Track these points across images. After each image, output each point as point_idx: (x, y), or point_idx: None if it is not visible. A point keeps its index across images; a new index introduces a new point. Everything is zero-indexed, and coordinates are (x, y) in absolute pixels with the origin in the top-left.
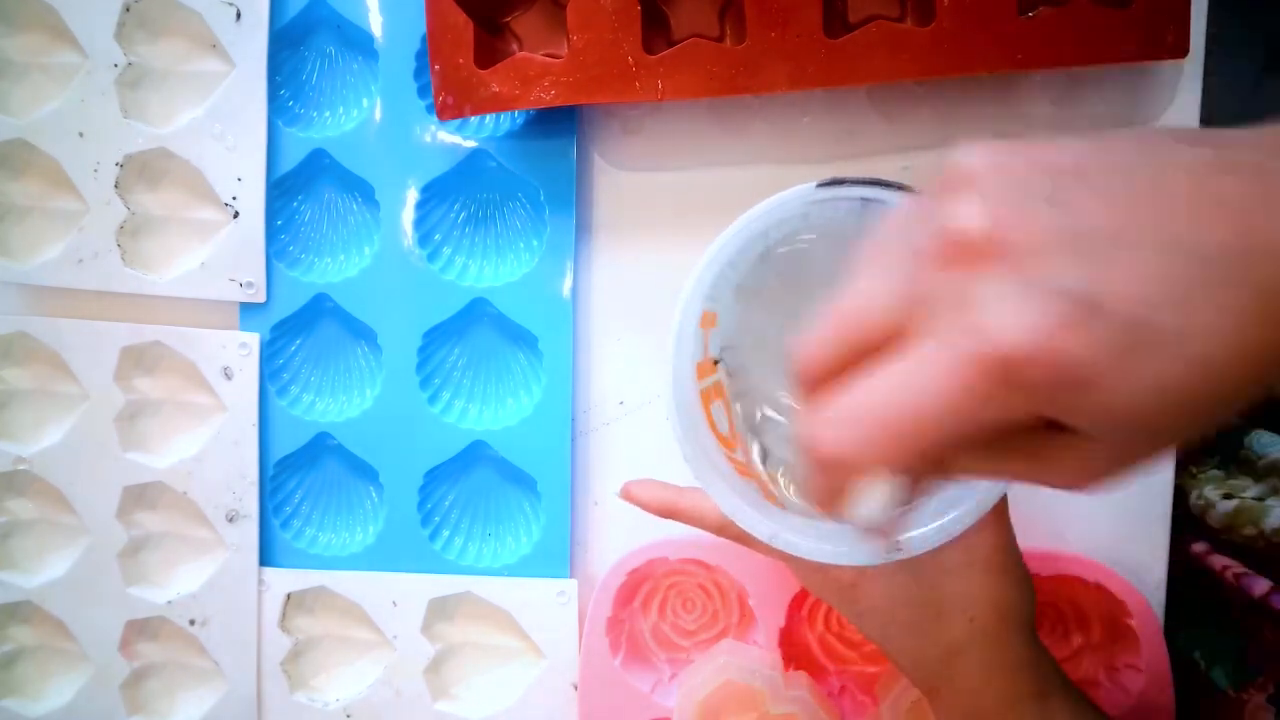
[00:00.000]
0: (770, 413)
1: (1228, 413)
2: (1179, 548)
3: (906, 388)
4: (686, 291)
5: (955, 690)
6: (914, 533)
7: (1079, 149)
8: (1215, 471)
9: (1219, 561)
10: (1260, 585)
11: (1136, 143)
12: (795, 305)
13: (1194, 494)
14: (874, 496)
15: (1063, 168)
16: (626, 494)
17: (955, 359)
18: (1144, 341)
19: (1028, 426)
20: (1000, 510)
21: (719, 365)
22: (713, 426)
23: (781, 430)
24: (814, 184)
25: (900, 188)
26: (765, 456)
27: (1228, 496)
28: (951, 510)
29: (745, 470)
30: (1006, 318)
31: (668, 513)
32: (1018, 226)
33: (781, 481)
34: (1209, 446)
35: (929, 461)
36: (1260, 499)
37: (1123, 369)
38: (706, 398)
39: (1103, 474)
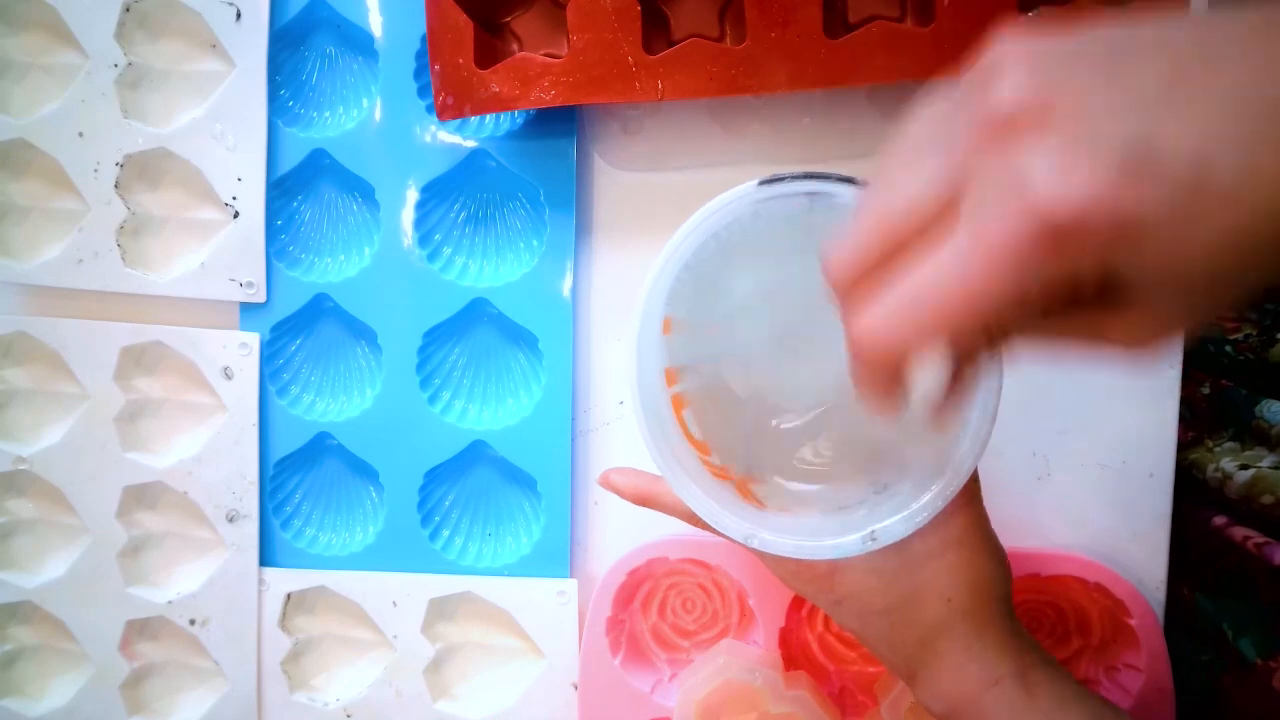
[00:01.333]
0: (749, 410)
1: None
2: (1199, 522)
3: (958, 266)
4: (642, 300)
5: (934, 673)
6: (885, 523)
7: (1112, 28)
8: (1231, 444)
9: (1240, 532)
10: None
11: (1167, 18)
12: (761, 305)
13: (1211, 467)
14: (929, 375)
15: (1100, 38)
16: (605, 480)
17: (1005, 228)
18: (1204, 191)
19: (1082, 291)
20: (972, 492)
21: (686, 370)
22: (686, 432)
23: (767, 434)
24: (755, 182)
25: (842, 179)
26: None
27: (1244, 467)
28: (921, 497)
29: (721, 473)
30: (1056, 177)
31: (644, 500)
32: (1062, 89)
33: (743, 474)
34: (1221, 419)
35: (984, 335)
36: (1276, 467)
37: (1183, 220)
38: (678, 403)
39: (1158, 335)
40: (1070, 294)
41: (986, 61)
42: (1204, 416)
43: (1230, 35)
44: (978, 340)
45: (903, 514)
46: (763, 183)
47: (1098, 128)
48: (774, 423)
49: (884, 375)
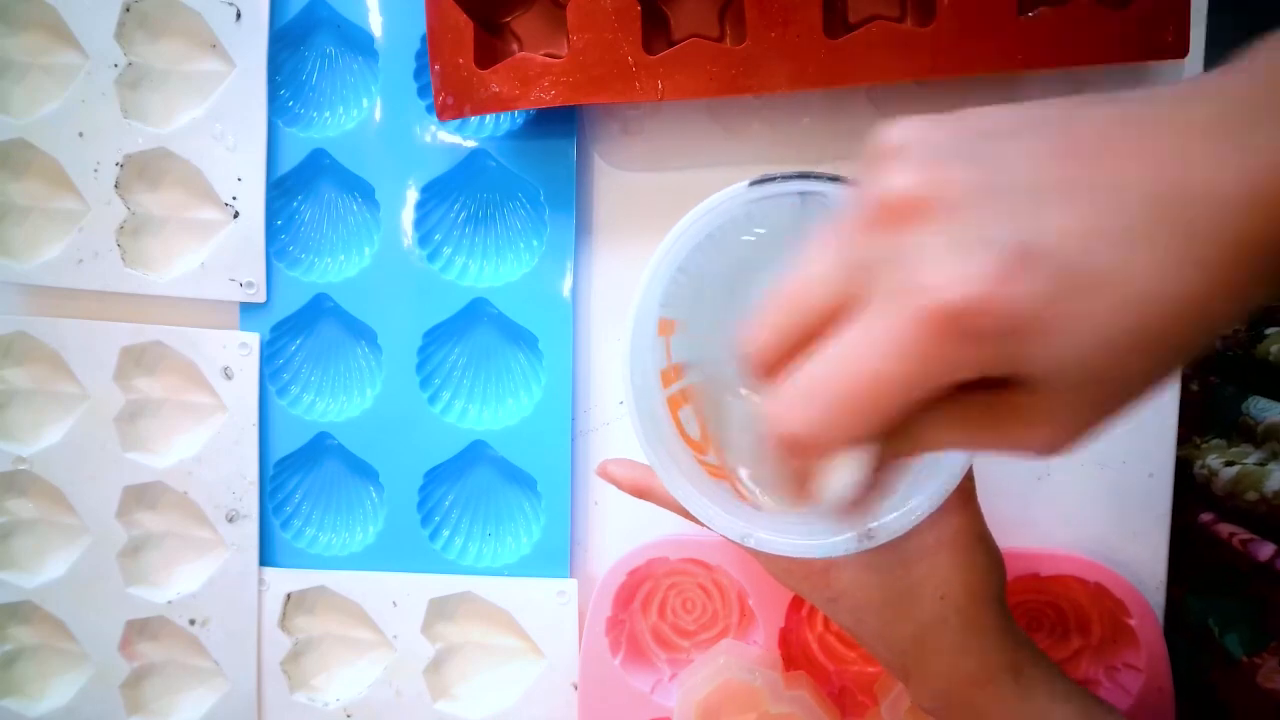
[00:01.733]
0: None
1: (1178, 359)
2: (1186, 519)
3: (857, 353)
4: (637, 301)
5: (928, 672)
6: (881, 521)
7: (999, 113)
8: (1218, 440)
9: (1226, 529)
10: (1265, 550)
11: (1054, 105)
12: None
13: (1198, 464)
14: (841, 474)
15: (984, 131)
16: (603, 470)
17: (900, 317)
18: (1083, 284)
19: (986, 387)
20: (967, 491)
21: (684, 370)
22: (682, 431)
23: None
24: (746, 183)
25: (832, 179)
26: (734, 455)
27: (1230, 464)
28: (916, 496)
29: (718, 472)
30: (942, 271)
31: (641, 493)
32: (943, 182)
33: (744, 475)
34: (1208, 416)
35: (892, 430)
36: (1262, 464)
37: (1066, 313)
38: (674, 404)
39: (1068, 432)
40: (979, 386)
41: (881, 147)
42: (1193, 414)
43: (1118, 119)
44: (888, 435)
45: (897, 513)
46: (753, 183)
47: (982, 222)
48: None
49: (797, 463)
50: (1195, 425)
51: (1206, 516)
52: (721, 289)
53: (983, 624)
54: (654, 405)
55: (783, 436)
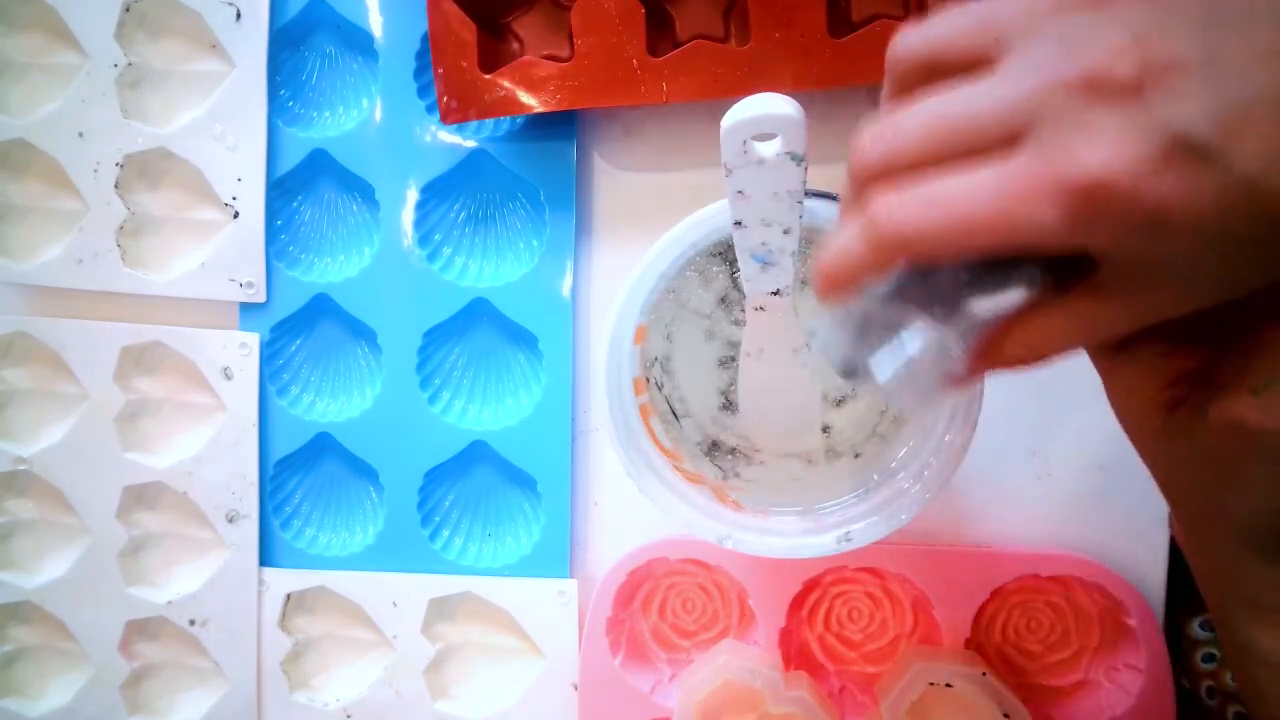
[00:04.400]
0: (721, 439)
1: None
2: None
3: (993, 190)
4: (619, 305)
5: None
6: (861, 524)
7: None
8: None
9: None
10: None
11: None
12: (710, 323)
13: None
14: (911, 341)
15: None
16: None
17: (1047, 178)
18: (1257, 205)
19: (1061, 259)
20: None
21: (649, 381)
22: (655, 439)
23: (750, 466)
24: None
25: (825, 196)
26: (731, 480)
27: None
28: (897, 500)
29: (695, 479)
30: (1103, 146)
31: None
32: (1159, 57)
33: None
34: None
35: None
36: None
37: (1205, 215)
38: (645, 412)
39: (1132, 321)
40: (1061, 254)
41: None
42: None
43: None
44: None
45: (876, 516)
46: None
47: (1174, 110)
48: (728, 439)
49: (872, 256)
50: None
51: None
52: (693, 300)
53: None
54: (628, 413)
55: (881, 224)
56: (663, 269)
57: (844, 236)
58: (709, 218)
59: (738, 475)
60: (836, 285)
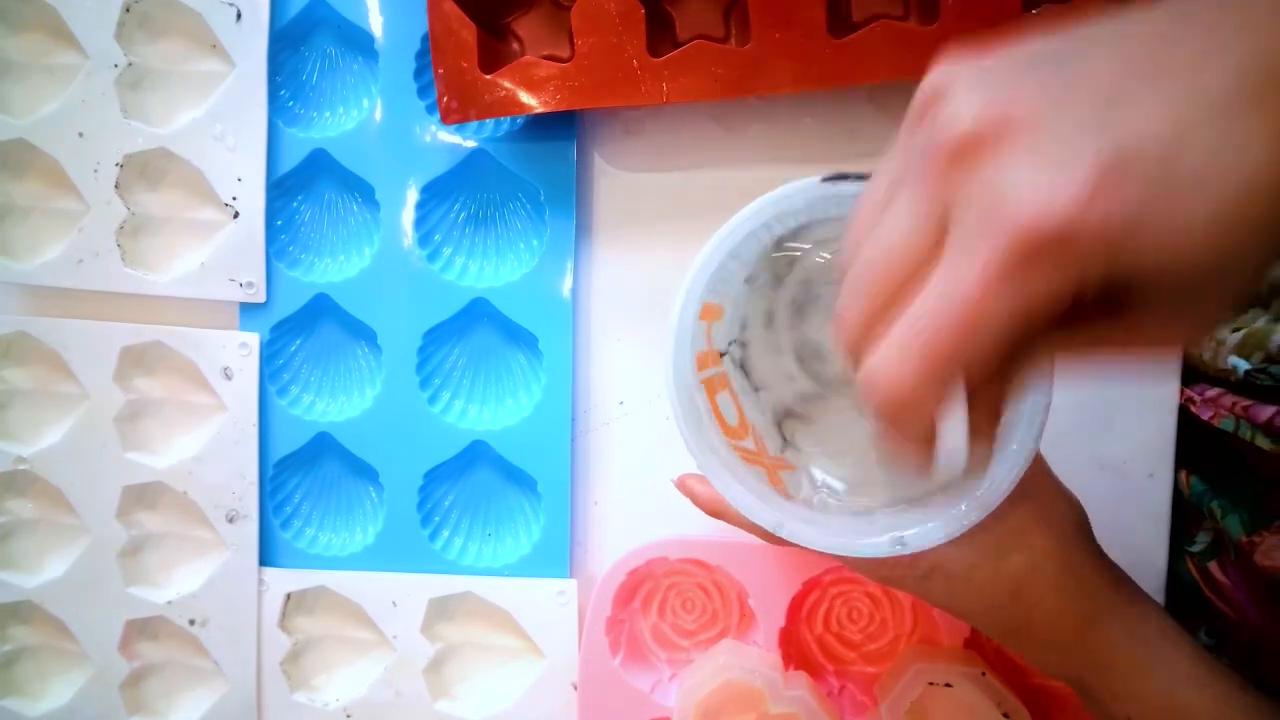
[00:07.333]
0: (794, 408)
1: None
2: (1191, 406)
3: (948, 295)
4: (687, 282)
5: (1032, 624)
6: (914, 529)
7: (1047, 39)
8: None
9: (1229, 400)
10: (1265, 411)
11: (1103, 22)
12: (804, 304)
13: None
14: (948, 436)
15: (1037, 53)
16: (682, 484)
17: (990, 249)
18: (1180, 184)
19: (1085, 301)
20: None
21: (725, 358)
22: (718, 415)
23: (812, 428)
24: (818, 178)
25: (856, 177)
26: (789, 451)
27: (1236, 329)
28: (958, 504)
29: (752, 458)
30: (1027, 193)
31: (717, 513)
32: (1009, 101)
33: (816, 474)
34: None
35: (999, 359)
36: (1275, 320)
37: (1164, 213)
38: (711, 388)
39: (1172, 334)
40: (1075, 304)
41: (928, 91)
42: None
43: (1180, 17)
44: (995, 364)
45: (933, 522)
46: (825, 179)
47: (1061, 134)
48: (804, 413)
49: (904, 428)
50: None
51: (1212, 392)
52: (777, 285)
53: (1076, 565)
54: (689, 385)
55: (883, 400)
56: (731, 248)
57: (873, 423)
58: (788, 196)
59: (797, 448)
60: (909, 436)
